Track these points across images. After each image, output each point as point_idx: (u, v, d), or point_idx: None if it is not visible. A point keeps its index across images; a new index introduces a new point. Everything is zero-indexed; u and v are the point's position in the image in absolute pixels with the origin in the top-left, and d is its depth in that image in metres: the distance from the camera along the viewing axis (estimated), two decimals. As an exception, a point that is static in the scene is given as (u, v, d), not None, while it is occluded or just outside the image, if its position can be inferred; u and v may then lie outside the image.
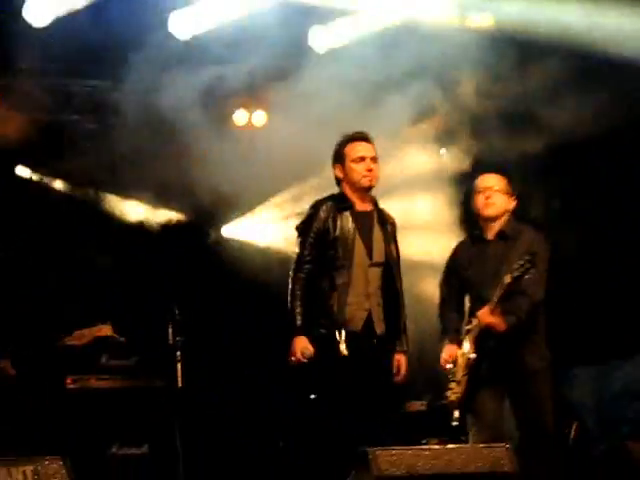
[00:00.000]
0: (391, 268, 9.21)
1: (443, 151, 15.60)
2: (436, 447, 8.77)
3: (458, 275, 9.72)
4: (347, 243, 9.03)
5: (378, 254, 9.11)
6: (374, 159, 9.07)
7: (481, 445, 8.21)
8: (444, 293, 9.85)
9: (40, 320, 12.05)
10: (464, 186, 13.20)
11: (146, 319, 12.12)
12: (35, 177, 15.83)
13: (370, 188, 9.10)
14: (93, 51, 13.95)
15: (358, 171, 8.99)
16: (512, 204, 9.58)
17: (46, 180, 15.93)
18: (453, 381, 9.36)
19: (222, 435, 12.98)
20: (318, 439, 9.22)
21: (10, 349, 10.69)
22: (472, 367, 9.25)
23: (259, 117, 15.37)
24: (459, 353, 9.35)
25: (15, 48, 13.54)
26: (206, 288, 14.67)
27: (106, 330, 11.16)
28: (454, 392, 9.36)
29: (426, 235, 14.32)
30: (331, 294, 8.97)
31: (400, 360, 9.15)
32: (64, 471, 6.77)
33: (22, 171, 15.58)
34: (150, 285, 14.46)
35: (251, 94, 14.89)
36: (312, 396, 9.61)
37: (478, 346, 9.25)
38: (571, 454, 10.29)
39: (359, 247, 9.07)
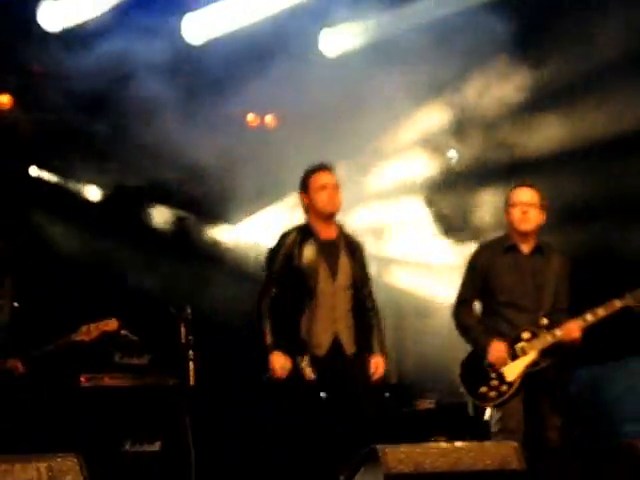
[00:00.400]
0: (360, 290, 9.49)
1: (453, 153, 15.44)
2: (444, 445, 8.55)
3: (485, 280, 9.77)
4: (311, 271, 9.36)
5: (344, 279, 9.41)
6: (335, 187, 9.46)
7: (489, 443, 8.31)
8: (467, 294, 9.87)
9: (53, 318, 12.01)
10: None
11: (159, 319, 11.91)
12: (47, 176, 15.82)
13: (333, 214, 9.47)
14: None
15: (321, 199, 9.37)
16: (544, 218, 9.63)
17: (58, 180, 15.92)
18: (501, 381, 9.44)
19: (233, 432, 13.07)
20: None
21: (22, 347, 10.58)
22: (531, 375, 9.37)
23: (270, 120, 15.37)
24: (522, 357, 9.40)
25: (31, 50, 13.73)
26: (217, 288, 14.65)
27: (112, 324, 10.96)
28: (500, 392, 9.45)
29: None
30: (297, 321, 9.30)
31: (376, 361, 9.40)
32: (78, 468, 6.78)
33: (34, 171, 15.66)
34: (163, 286, 14.55)
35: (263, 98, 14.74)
36: (322, 394, 9.75)
37: (545, 356, 9.37)
38: (575, 452, 10.13)
39: (323, 274, 9.39)
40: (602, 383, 12.89)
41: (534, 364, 9.32)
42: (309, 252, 9.51)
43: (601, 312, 9.32)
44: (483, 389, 9.34)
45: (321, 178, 9.48)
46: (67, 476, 6.76)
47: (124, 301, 13.57)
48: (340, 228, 9.68)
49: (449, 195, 15.30)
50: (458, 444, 8.15)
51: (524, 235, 9.60)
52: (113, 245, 15.19)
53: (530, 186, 9.85)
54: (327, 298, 9.41)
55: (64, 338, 10.50)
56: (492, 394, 9.32)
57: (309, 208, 9.49)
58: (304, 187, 9.56)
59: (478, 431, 9.93)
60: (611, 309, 9.35)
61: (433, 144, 15.04)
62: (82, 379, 11.64)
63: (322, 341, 9.29)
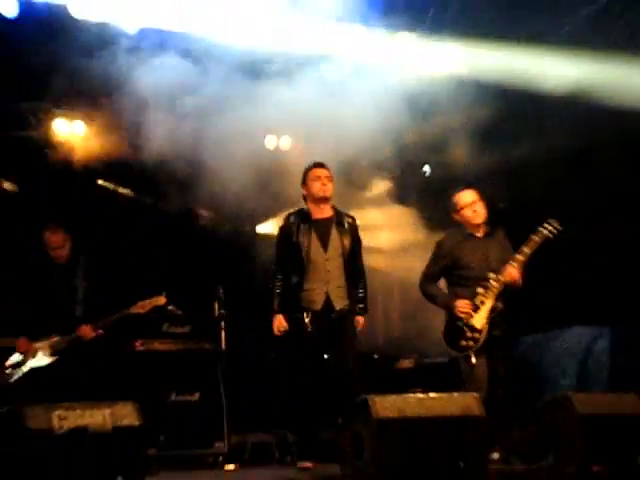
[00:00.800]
0: (349, 259, 9.65)
1: (427, 168, 15.61)
2: (421, 395, 8.22)
3: (451, 259, 9.89)
4: (305, 245, 9.60)
5: (333, 250, 9.61)
6: (328, 178, 9.68)
7: (456, 394, 8.12)
8: (433, 270, 9.98)
9: (116, 294, 11.66)
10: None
11: (198, 296, 12.35)
12: (111, 186, 15.82)
13: (325, 199, 9.66)
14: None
15: (315, 186, 9.64)
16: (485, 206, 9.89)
17: (118, 189, 15.99)
18: (473, 331, 9.57)
19: (256, 385, 13.05)
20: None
21: (92, 318, 10.69)
22: (495, 317, 9.51)
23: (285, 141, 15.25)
24: (483, 307, 9.49)
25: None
26: (244, 273, 14.70)
27: (161, 300, 11.02)
28: (475, 339, 9.59)
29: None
30: (299, 285, 9.57)
31: (359, 320, 9.76)
32: (135, 413, 7.24)
33: (103, 183, 15.55)
34: (200, 270, 14.64)
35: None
36: (326, 356, 10.01)
37: (499, 300, 9.52)
38: (520, 404, 10.04)
39: (315, 246, 9.63)
40: (542, 348, 12.97)
41: (493, 309, 9.45)
42: (304, 230, 9.72)
43: (527, 250, 9.52)
44: (462, 342, 9.47)
45: (316, 171, 9.69)
46: (125, 419, 7.18)
47: (171, 284, 13.56)
48: (334, 210, 9.84)
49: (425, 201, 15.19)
50: (432, 395, 8.09)
51: (478, 225, 9.82)
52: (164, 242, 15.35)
53: (469, 187, 10.12)
54: (319, 266, 9.59)
55: (124, 311, 10.57)
56: (470, 343, 9.43)
57: (307, 196, 9.72)
58: (303, 180, 9.78)
59: (448, 385, 9.69)
60: (534, 245, 9.54)
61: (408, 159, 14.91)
62: (137, 344, 11.71)
63: (317, 299, 9.51)
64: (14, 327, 10.75)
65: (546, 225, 9.53)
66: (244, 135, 13.11)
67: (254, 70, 13.57)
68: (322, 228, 9.79)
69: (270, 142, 14.94)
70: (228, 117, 12.89)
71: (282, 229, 9.93)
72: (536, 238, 9.48)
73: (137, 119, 12.82)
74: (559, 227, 9.62)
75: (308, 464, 9.28)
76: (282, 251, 9.81)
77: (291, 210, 10.03)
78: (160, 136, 12.38)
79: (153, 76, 12.11)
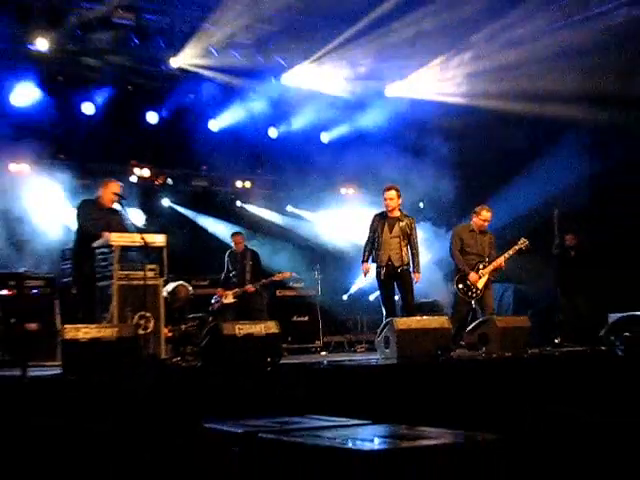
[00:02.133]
0: (404, 239, 11.80)
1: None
2: (418, 317, 10.96)
3: (462, 244, 12.29)
4: (379, 230, 11.82)
5: (395, 233, 11.79)
6: (391, 198, 11.81)
7: (437, 317, 11.08)
8: (456, 247, 12.24)
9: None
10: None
11: None
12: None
13: (392, 209, 11.83)
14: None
15: (386, 203, 11.91)
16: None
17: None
18: (476, 289, 12.14)
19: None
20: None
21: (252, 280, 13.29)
22: (486, 283, 12.16)
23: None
24: (483, 277, 12.12)
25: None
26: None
27: (288, 274, 13.63)
28: (477, 293, 12.16)
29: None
30: (376, 252, 11.79)
31: (415, 275, 11.82)
32: (276, 326, 11.00)
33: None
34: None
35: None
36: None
37: (491, 275, 12.20)
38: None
39: (386, 231, 11.83)
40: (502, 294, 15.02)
41: (488, 280, 12.19)
42: (381, 223, 11.92)
43: (511, 252, 12.19)
44: (469, 293, 12.19)
45: (386, 194, 11.90)
46: (272, 329, 10.30)
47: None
48: (402, 212, 11.95)
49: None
50: (424, 317, 11.08)
51: (480, 227, 12.28)
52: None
53: (488, 208, 12.43)
54: (387, 241, 11.82)
55: (272, 277, 13.52)
56: (474, 294, 12.16)
57: (385, 206, 11.87)
58: (383, 196, 11.86)
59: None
60: (515, 250, 12.22)
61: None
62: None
63: (383, 259, 11.79)
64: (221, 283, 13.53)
65: (522, 241, 12.26)
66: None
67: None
68: (392, 222, 11.90)
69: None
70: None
71: (371, 221, 12.08)
72: (517, 247, 12.20)
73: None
74: (529, 245, 12.16)
75: (361, 348, 11.86)
76: (371, 234, 11.98)
77: (378, 212, 12.12)
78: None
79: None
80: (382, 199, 12.06)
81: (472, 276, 12.08)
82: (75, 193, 13.87)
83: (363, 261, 12.01)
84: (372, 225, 12.10)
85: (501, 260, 12.20)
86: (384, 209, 12.06)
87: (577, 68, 13.64)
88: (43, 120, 14.50)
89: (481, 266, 12.16)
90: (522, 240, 12.23)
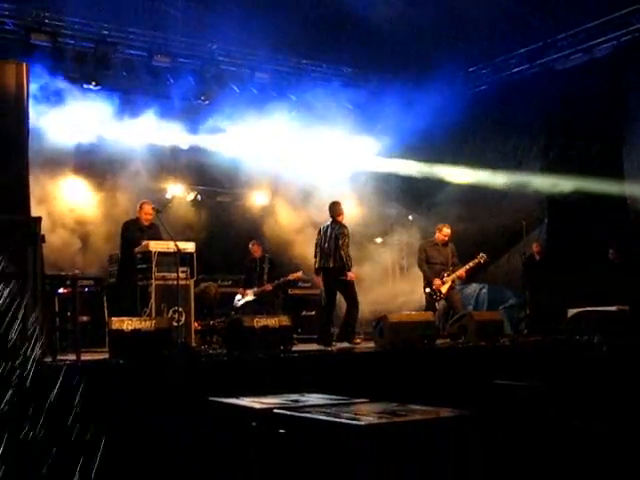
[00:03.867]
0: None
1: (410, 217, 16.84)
2: (407, 312, 11.60)
3: (426, 255, 12.43)
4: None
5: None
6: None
7: (422, 312, 11.55)
8: (423, 259, 12.40)
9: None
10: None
11: None
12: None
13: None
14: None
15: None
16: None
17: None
18: (440, 293, 12.23)
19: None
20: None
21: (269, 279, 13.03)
22: (449, 289, 12.32)
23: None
24: (446, 283, 12.21)
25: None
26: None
27: (299, 275, 13.43)
28: (440, 296, 12.25)
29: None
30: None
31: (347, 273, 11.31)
32: (288, 319, 12.22)
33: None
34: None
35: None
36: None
37: (453, 282, 12.36)
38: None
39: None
40: (477, 294, 14.89)
41: (450, 287, 12.33)
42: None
43: (471, 264, 12.42)
44: (435, 296, 12.28)
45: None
46: (284, 322, 11.38)
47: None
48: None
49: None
50: (413, 313, 11.54)
51: (442, 240, 12.54)
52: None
53: (448, 226, 12.53)
54: (324, 248, 11.40)
55: (286, 277, 13.36)
56: (439, 297, 12.28)
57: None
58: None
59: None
60: (474, 263, 12.47)
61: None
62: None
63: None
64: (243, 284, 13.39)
65: (481, 255, 12.52)
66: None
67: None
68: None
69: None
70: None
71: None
72: (477, 260, 12.44)
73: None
74: (487, 259, 12.49)
75: (358, 340, 11.33)
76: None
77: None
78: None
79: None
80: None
81: (436, 282, 12.21)
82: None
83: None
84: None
85: (462, 271, 12.39)
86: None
87: None
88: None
89: (445, 274, 12.28)
90: (481, 255, 12.52)
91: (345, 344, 11.01)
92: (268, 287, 13.19)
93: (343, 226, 11.45)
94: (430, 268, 12.38)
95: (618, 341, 9.78)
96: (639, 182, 13.83)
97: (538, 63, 15.17)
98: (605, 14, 13.70)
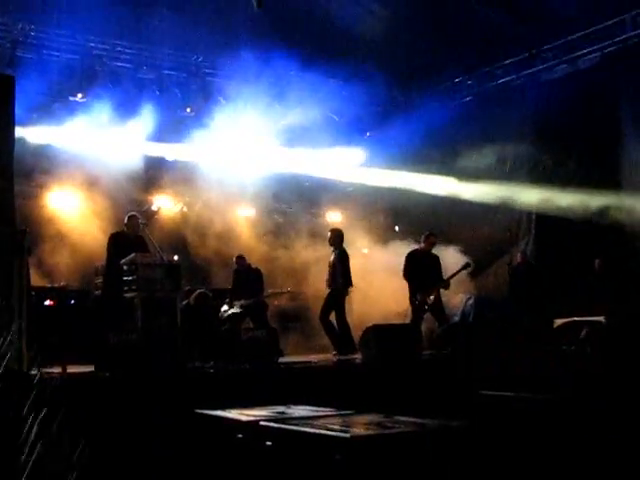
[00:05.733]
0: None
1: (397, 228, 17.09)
2: (392, 324, 11.45)
3: (413, 269, 12.18)
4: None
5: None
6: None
7: (407, 322, 11.60)
8: (409, 274, 12.17)
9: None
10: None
11: None
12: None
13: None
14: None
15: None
16: None
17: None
18: (427, 304, 12.09)
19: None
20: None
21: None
22: (434, 300, 12.18)
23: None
24: (430, 297, 12.07)
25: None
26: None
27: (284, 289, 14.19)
28: (427, 307, 12.09)
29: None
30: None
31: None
32: None
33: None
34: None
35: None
36: None
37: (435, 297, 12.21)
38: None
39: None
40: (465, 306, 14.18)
41: (436, 297, 12.13)
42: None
43: (455, 272, 12.28)
44: (421, 307, 12.11)
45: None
46: None
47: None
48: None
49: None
50: (399, 324, 11.50)
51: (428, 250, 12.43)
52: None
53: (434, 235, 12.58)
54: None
55: (273, 290, 13.62)
56: (425, 308, 12.11)
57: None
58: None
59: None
60: (459, 271, 12.37)
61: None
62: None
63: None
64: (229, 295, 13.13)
65: (466, 262, 12.66)
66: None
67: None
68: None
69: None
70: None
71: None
72: (460, 268, 12.40)
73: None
74: (471, 268, 12.68)
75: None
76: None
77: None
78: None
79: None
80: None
81: (421, 295, 12.12)
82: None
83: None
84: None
85: (447, 280, 12.28)
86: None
87: None
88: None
89: (430, 284, 12.15)
90: (465, 262, 12.67)
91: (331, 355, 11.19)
92: (259, 299, 13.04)
93: None
94: (415, 278, 12.28)
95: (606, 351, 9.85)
96: (633, 191, 13.78)
97: (524, 74, 15.31)
98: (589, 25, 13.85)
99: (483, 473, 4.54)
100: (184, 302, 10.66)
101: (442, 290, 12.33)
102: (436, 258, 12.55)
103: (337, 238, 12.30)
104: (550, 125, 14.70)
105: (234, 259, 13.50)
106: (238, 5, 12.90)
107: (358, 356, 10.80)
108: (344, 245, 12.34)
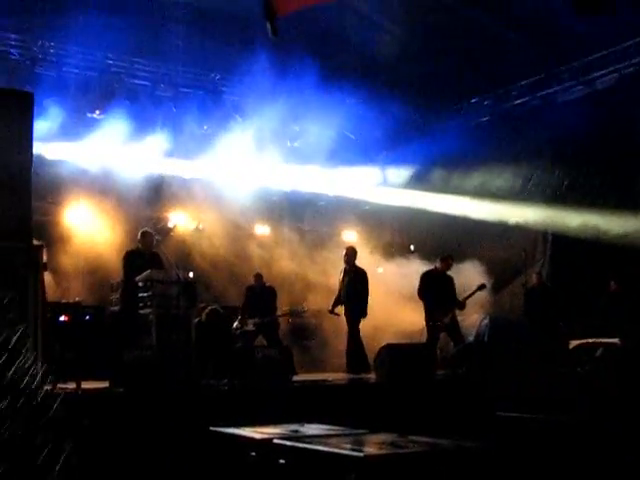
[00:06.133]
0: None
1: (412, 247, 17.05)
2: (408, 343, 11.65)
3: (429, 289, 12.20)
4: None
5: None
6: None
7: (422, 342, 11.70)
8: (425, 294, 12.19)
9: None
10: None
11: None
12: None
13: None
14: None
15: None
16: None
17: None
18: (442, 322, 12.08)
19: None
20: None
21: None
22: (450, 320, 12.21)
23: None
24: (448, 315, 12.11)
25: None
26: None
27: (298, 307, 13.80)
28: (444, 327, 12.15)
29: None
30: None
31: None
32: None
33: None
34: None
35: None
36: None
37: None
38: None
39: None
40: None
41: (451, 317, 12.17)
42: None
43: (470, 292, 12.30)
44: (437, 327, 12.11)
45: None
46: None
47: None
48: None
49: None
50: (414, 343, 11.61)
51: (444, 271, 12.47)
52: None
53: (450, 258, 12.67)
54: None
55: (286, 309, 13.49)
56: (441, 328, 12.15)
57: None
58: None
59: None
60: (474, 291, 12.30)
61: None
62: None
63: None
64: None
65: (480, 283, 12.59)
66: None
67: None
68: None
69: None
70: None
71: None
72: (475, 289, 12.37)
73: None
74: (485, 286, 12.58)
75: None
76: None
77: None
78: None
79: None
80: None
81: (436, 314, 12.11)
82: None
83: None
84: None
85: (462, 301, 12.35)
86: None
87: None
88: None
89: (447, 305, 12.19)
90: (480, 283, 12.62)
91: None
92: (272, 318, 13.00)
93: None
94: (430, 298, 12.27)
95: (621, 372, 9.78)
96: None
97: (539, 95, 15.31)
98: (606, 47, 13.84)
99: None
100: (196, 319, 10.65)
101: (457, 310, 12.36)
102: (450, 279, 12.58)
103: (353, 257, 12.40)
104: (567, 146, 14.67)
105: (253, 277, 13.42)
106: (255, 23, 12.90)
107: (372, 375, 10.77)
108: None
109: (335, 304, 12.38)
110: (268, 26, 5.89)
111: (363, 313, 12.08)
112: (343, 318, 12.21)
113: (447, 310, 12.19)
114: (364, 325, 12.24)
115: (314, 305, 14.59)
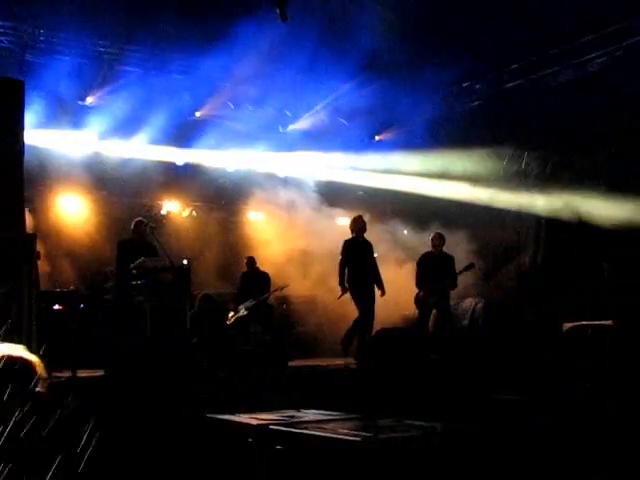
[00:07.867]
0: None
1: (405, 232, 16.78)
2: (402, 327, 11.77)
3: (423, 269, 12.17)
4: None
5: None
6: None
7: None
8: (422, 278, 12.15)
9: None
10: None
11: None
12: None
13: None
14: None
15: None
16: None
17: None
18: (428, 303, 12.07)
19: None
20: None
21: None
22: (439, 299, 12.07)
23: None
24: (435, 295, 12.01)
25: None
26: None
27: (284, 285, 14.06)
28: (433, 305, 12.08)
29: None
30: None
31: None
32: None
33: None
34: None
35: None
36: None
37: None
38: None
39: None
40: (457, 307, 14.02)
41: (441, 296, 12.07)
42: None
43: (461, 270, 12.16)
44: (428, 305, 12.08)
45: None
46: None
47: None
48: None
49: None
50: (408, 327, 11.71)
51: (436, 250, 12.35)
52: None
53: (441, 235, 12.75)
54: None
55: (273, 290, 13.21)
56: (431, 306, 12.06)
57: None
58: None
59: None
60: (463, 269, 12.23)
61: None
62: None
63: None
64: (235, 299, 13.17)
65: (472, 263, 12.52)
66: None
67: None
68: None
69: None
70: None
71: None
72: (462, 270, 12.24)
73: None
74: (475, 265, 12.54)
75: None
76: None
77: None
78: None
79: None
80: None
81: (423, 295, 12.03)
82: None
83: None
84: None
85: (453, 280, 12.22)
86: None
87: None
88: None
89: (438, 284, 12.05)
90: (470, 263, 12.47)
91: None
92: (264, 300, 12.87)
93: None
94: (425, 278, 12.18)
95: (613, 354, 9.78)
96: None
97: (531, 78, 15.16)
98: (597, 29, 13.68)
99: (493, 476, 4.50)
100: (191, 310, 10.62)
101: (451, 292, 12.27)
102: (449, 258, 12.40)
103: (364, 226, 11.99)
104: (561, 129, 14.66)
105: (245, 260, 13.42)
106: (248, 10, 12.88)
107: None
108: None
109: (344, 284, 11.56)
110: (277, 11, 5.92)
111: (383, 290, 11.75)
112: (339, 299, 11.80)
113: (433, 290, 12.00)
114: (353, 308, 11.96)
115: (306, 291, 14.62)
